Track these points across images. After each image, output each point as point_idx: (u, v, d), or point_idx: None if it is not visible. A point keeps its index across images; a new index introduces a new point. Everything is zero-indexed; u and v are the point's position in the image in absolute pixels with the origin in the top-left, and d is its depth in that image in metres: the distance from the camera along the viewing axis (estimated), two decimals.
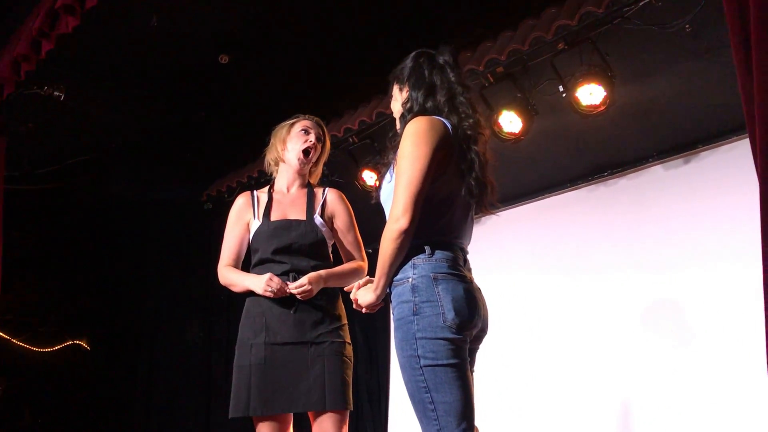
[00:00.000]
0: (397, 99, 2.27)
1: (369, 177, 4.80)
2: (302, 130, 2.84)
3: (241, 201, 2.88)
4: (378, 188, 2.26)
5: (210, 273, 6.08)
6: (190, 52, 4.63)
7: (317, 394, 2.55)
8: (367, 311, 2.18)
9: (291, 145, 2.84)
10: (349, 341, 2.71)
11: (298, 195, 2.83)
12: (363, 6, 4.24)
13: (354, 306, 2.19)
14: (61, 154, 5.59)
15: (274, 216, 2.76)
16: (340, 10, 4.29)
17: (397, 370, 5.43)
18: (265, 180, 5.39)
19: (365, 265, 2.80)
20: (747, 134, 1.69)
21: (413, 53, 2.27)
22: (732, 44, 1.67)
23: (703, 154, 4.20)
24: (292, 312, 2.62)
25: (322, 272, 2.65)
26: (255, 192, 2.90)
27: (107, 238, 6.05)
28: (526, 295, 4.77)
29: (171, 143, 5.69)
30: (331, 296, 2.71)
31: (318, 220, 2.75)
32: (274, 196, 2.85)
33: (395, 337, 2.04)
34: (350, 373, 2.65)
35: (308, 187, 2.86)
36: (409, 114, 2.15)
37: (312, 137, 2.83)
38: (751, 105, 1.59)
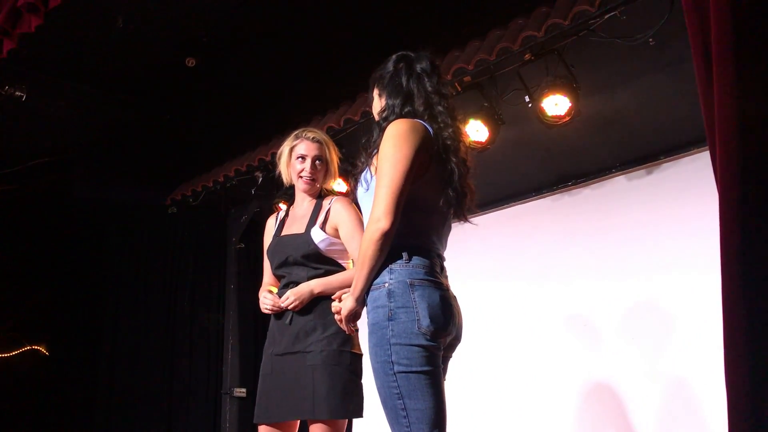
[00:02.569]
0: (377, 103, 2.26)
1: (336, 183, 4.78)
2: (298, 157, 2.88)
3: (270, 222, 3.04)
4: (353, 192, 2.23)
5: (172, 277, 6.07)
6: (156, 55, 4.57)
7: (308, 402, 2.60)
8: (352, 328, 2.14)
9: (292, 171, 2.91)
10: (349, 348, 2.69)
11: (307, 208, 2.90)
12: (331, 13, 4.24)
13: (337, 320, 2.16)
14: (21, 155, 5.48)
15: (284, 232, 2.90)
16: (308, 17, 4.28)
17: (365, 374, 5.40)
18: (230, 185, 5.42)
19: None
20: (707, 146, 1.72)
21: (394, 57, 2.25)
22: (694, 58, 1.71)
23: (665, 165, 4.28)
24: (287, 323, 2.72)
25: (312, 282, 2.72)
26: (281, 211, 3.04)
27: (68, 241, 5.93)
28: (488, 303, 4.79)
29: (135, 146, 5.61)
30: (327, 304, 2.69)
31: (315, 232, 2.77)
32: (291, 212, 2.98)
33: (369, 341, 2.02)
34: (345, 380, 2.62)
35: (318, 199, 2.91)
36: (384, 122, 2.14)
37: (307, 164, 2.86)
38: (712, 118, 1.63)
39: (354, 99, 4.61)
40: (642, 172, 4.37)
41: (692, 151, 4.08)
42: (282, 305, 2.72)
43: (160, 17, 4.20)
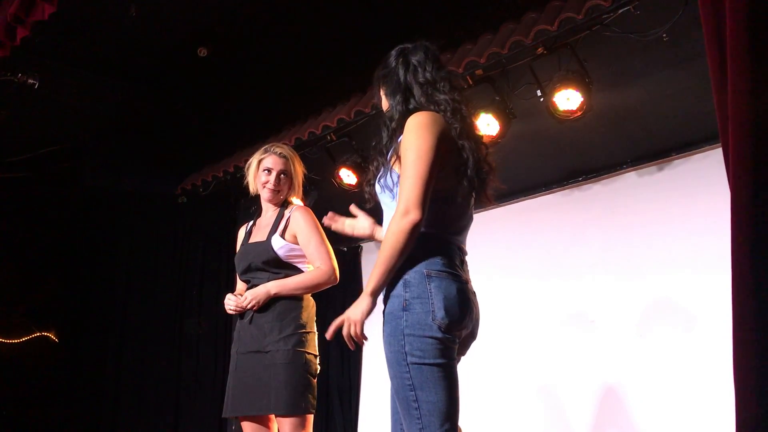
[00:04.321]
0: (385, 103, 2.23)
1: (346, 175, 4.79)
2: (264, 170, 3.09)
3: (241, 231, 3.26)
4: (371, 184, 2.16)
5: (181, 266, 6.09)
6: (168, 44, 4.58)
7: (265, 399, 2.80)
8: (357, 335, 1.98)
9: (258, 182, 3.12)
10: (304, 348, 2.87)
11: (271, 218, 3.11)
12: (343, 6, 4.24)
13: (344, 334, 2.01)
14: (33, 142, 5.51)
15: (251, 240, 3.10)
16: (320, 9, 4.28)
17: (369, 370, 5.42)
18: (241, 175, 5.42)
19: (325, 267, 2.94)
20: (720, 144, 1.71)
21: (393, 52, 2.24)
22: (708, 55, 1.70)
23: (676, 161, 4.26)
24: (248, 323, 2.93)
25: (269, 284, 2.92)
26: (252, 221, 3.24)
27: (78, 229, 5.95)
28: (495, 298, 4.79)
29: (146, 135, 5.63)
30: (285, 306, 2.91)
31: (275, 239, 2.98)
32: (257, 221, 3.19)
33: (383, 331, 2.00)
34: (299, 378, 2.80)
35: (281, 208, 3.11)
36: (390, 122, 2.13)
37: (273, 176, 3.07)
38: (725, 115, 1.62)
39: (365, 91, 4.60)
40: (653, 168, 4.36)
41: (704, 148, 4.07)
42: (242, 305, 2.91)
43: (172, 6, 4.21)
